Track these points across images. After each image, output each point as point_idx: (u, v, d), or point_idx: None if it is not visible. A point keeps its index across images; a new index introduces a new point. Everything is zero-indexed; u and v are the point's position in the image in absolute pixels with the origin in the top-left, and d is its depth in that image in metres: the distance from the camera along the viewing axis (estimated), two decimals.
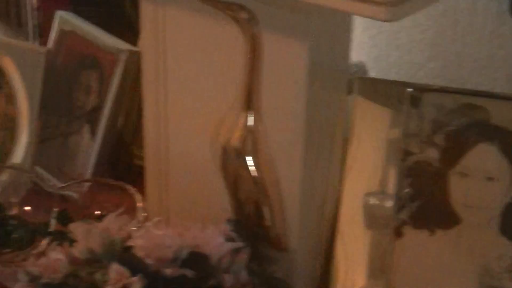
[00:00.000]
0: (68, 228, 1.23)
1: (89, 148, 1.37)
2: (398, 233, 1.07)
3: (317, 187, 1.08)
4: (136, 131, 1.46)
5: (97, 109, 1.37)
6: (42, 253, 1.18)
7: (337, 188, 1.12)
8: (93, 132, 1.37)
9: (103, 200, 1.32)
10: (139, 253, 0.95)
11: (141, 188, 1.30)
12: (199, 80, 1.09)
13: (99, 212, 1.29)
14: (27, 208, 1.32)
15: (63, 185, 1.32)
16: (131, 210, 1.27)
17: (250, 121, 1.05)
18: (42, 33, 2.11)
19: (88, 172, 1.37)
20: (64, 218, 1.28)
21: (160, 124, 1.16)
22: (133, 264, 0.91)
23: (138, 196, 1.26)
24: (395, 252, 1.07)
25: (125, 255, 0.93)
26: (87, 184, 1.33)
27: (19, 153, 1.34)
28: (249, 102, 1.04)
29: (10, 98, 1.34)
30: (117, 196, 1.32)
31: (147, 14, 1.11)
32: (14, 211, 1.32)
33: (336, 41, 1.03)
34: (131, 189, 1.27)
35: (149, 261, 0.92)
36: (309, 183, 1.05)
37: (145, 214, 1.22)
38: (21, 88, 1.32)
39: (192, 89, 1.10)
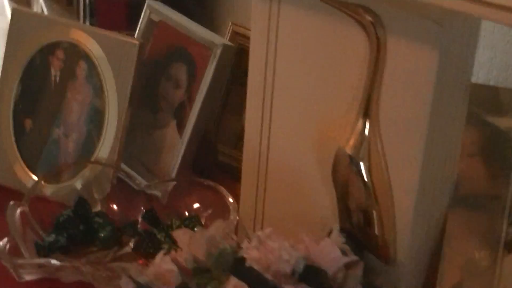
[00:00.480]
0: (154, 228, 1.19)
1: (175, 144, 1.32)
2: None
3: (429, 196, 1.02)
4: (219, 127, 1.41)
5: (186, 104, 1.31)
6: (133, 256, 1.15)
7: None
8: (180, 128, 1.32)
9: (189, 200, 1.27)
10: (254, 266, 0.89)
11: (227, 188, 1.26)
12: (310, 83, 1.04)
13: (186, 213, 1.24)
14: (113, 206, 1.27)
15: (152, 183, 1.26)
16: (221, 212, 1.22)
17: (367, 128, 0.99)
18: (94, 13, 2.07)
19: (174, 169, 1.32)
20: (152, 218, 1.24)
21: (263, 125, 1.11)
22: (251, 278, 0.86)
23: (230, 199, 1.20)
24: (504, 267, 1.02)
25: (241, 268, 0.88)
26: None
27: (105, 148, 1.29)
28: (367, 109, 0.98)
29: (99, 90, 1.29)
30: (204, 196, 1.27)
31: (259, 11, 1.05)
32: (98, 208, 1.27)
33: (464, 48, 0.97)
34: (223, 191, 1.22)
35: (267, 275, 0.87)
36: (423, 193, 0.99)
37: (237, 218, 1.17)
38: (111, 81, 1.27)
39: (301, 91, 1.05)
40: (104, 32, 1.28)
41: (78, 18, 2.32)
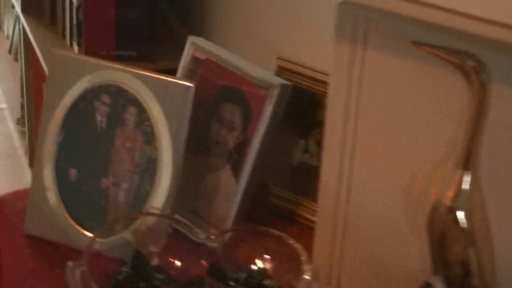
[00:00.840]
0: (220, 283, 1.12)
1: (230, 189, 1.25)
2: None
3: None
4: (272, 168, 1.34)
5: (241, 146, 1.24)
6: None
7: None
8: (235, 172, 1.24)
9: (249, 250, 1.20)
10: None
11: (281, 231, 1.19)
12: (398, 131, 0.98)
13: (256, 266, 1.17)
14: (171, 259, 1.19)
15: (213, 233, 1.19)
16: (288, 262, 1.15)
17: (467, 180, 0.93)
18: (81, 33, 2.00)
19: (230, 216, 1.24)
20: (217, 272, 1.16)
21: (342, 172, 1.05)
22: None
23: (303, 252, 1.13)
24: None
25: None
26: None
27: (159, 197, 1.21)
28: (467, 160, 0.92)
29: (150, 137, 1.21)
30: (268, 246, 1.20)
31: (341, 55, 0.99)
32: (155, 262, 1.19)
33: None
34: (291, 240, 1.15)
35: None
36: None
37: (310, 275, 1.10)
38: (163, 126, 1.19)
39: (387, 139, 0.99)
40: (154, 75, 1.20)
41: (64, 38, 2.25)
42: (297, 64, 1.33)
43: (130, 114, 1.21)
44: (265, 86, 1.21)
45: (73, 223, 1.24)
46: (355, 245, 1.07)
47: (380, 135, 1.00)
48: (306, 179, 1.34)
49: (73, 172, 1.24)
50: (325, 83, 1.30)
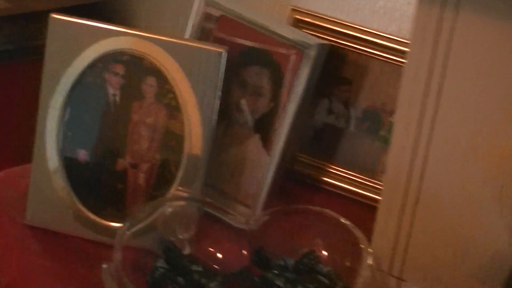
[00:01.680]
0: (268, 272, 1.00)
1: (260, 163, 1.12)
2: None
3: None
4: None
5: (272, 114, 1.11)
6: None
7: None
8: (265, 143, 1.11)
9: (291, 232, 1.08)
10: None
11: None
12: (491, 104, 0.87)
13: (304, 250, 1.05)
14: (210, 248, 1.06)
15: (256, 217, 1.06)
16: (338, 243, 1.04)
17: None
18: None
19: (262, 193, 1.11)
20: (263, 261, 1.04)
21: (418, 146, 0.93)
22: None
23: (360, 234, 1.02)
24: None
25: None
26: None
27: (186, 178, 1.07)
28: None
29: (174, 110, 1.06)
30: (311, 224, 1.08)
31: (424, 17, 0.86)
32: (186, 251, 1.06)
33: None
34: (349, 224, 1.04)
35: None
36: None
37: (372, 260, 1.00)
38: (191, 98, 1.05)
39: (477, 114, 0.88)
40: (178, 40, 1.04)
41: None
42: (316, 16, 1.19)
43: (150, 86, 1.05)
44: (300, 47, 1.08)
45: (85, 210, 1.08)
46: (427, 224, 0.97)
47: (468, 111, 0.89)
48: (331, 143, 1.22)
49: (82, 153, 1.08)
50: (348, 35, 1.17)
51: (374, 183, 1.20)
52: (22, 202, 1.11)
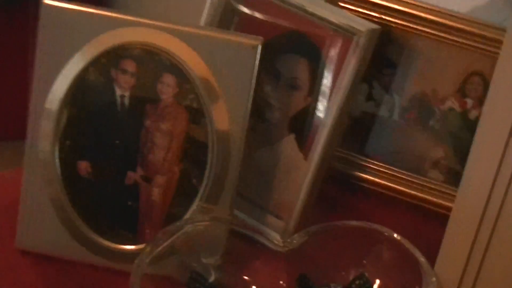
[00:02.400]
0: None
1: (295, 166, 0.94)
2: None
3: None
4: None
5: (311, 111, 0.92)
6: None
7: None
8: (302, 144, 0.93)
9: (336, 252, 0.91)
10: None
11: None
12: None
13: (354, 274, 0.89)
14: (241, 275, 0.89)
15: (298, 237, 0.89)
16: (398, 272, 0.88)
17: None
18: None
19: (298, 202, 0.94)
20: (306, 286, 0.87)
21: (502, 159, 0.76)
22: None
23: (420, 256, 0.86)
24: None
25: None
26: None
27: (212, 194, 0.89)
28: None
29: (197, 114, 0.87)
30: (357, 243, 0.91)
31: None
32: (211, 278, 0.89)
33: None
34: (406, 243, 0.87)
35: None
36: None
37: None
38: (218, 100, 0.86)
39: None
40: (200, 31, 0.85)
41: None
42: None
43: (167, 86, 0.86)
44: (347, 32, 0.89)
45: (89, 232, 0.90)
46: (505, 250, 0.80)
47: None
48: (370, 134, 1.04)
49: (84, 166, 0.89)
50: (393, 10, 0.98)
51: (421, 180, 1.03)
52: (14, 218, 0.93)
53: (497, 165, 0.78)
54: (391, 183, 1.04)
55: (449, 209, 0.98)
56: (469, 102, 1.00)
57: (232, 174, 0.87)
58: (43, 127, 0.88)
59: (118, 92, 0.87)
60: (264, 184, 0.95)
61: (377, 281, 0.89)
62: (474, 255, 0.83)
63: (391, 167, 1.04)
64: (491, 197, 0.79)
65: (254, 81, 0.85)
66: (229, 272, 0.90)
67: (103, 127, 0.88)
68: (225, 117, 0.86)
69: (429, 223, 1.02)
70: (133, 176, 0.89)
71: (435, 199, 1.03)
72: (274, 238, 0.89)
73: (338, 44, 0.89)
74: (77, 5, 0.86)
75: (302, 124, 0.93)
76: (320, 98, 0.92)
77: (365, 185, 1.05)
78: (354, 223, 0.89)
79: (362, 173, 1.05)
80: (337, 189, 1.04)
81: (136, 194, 0.90)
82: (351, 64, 0.89)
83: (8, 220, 0.94)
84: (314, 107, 0.92)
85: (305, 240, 0.89)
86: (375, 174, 1.05)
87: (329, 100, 0.91)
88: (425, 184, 1.03)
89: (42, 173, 0.89)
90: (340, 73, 0.90)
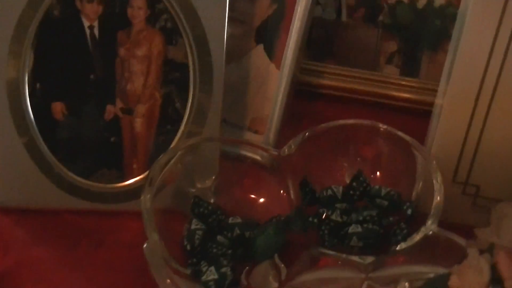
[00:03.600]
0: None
1: (267, 78, 0.93)
2: None
3: None
4: None
5: (275, 19, 0.91)
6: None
7: None
8: (271, 54, 0.92)
9: (319, 155, 0.91)
10: None
11: None
12: None
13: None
14: (240, 194, 0.88)
15: (293, 144, 0.87)
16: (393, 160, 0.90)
17: None
18: None
19: (275, 113, 0.93)
20: (308, 195, 0.88)
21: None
22: None
23: (421, 147, 0.87)
24: None
25: None
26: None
27: (197, 115, 0.87)
28: None
29: (174, 34, 0.84)
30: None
31: None
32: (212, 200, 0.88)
33: None
34: (397, 133, 0.88)
35: None
36: None
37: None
38: (192, 15, 0.83)
39: None
40: None
41: None
42: None
43: (137, 9, 0.83)
44: None
45: (73, 176, 0.86)
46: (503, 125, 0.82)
47: None
48: (321, 40, 1.04)
49: (58, 108, 0.85)
50: None
51: (378, 76, 1.04)
52: None
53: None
54: (350, 84, 1.04)
55: (408, 100, 1.00)
56: None
57: (217, 92, 0.85)
58: (10, 73, 0.82)
59: (86, 23, 0.82)
60: (237, 101, 0.94)
61: (376, 174, 0.90)
62: (472, 133, 0.84)
63: (347, 68, 1.04)
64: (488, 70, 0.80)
65: None
66: (227, 193, 0.88)
67: (74, 63, 0.83)
68: (203, 32, 0.83)
69: (395, 116, 1.03)
70: (112, 110, 0.85)
71: (394, 93, 1.04)
72: (269, 149, 0.88)
73: None
74: None
75: (269, 33, 0.91)
76: (285, 2, 0.90)
77: (325, 91, 1.04)
78: (345, 121, 0.88)
79: (320, 79, 1.04)
80: (297, 100, 1.03)
81: (118, 129, 0.86)
82: None
83: None
84: (280, 13, 0.91)
85: (299, 145, 0.88)
86: (332, 78, 1.04)
87: (295, 5, 0.89)
88: (382, 79, 1.03)
89: (14, 121, 0.83)
90: None
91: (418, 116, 1.02)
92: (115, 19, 0.82)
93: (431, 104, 0.90)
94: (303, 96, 1.04)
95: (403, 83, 1.03)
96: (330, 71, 1.04)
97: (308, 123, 0.97)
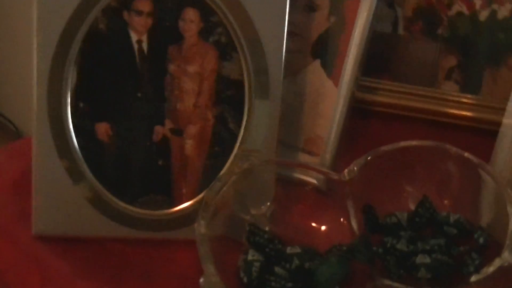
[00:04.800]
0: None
1: (325, 95, 0.86)
2: None
3: None
4: None
5: (333, 33, 0.85)
6: None
7: None
8: (328, 70, 0.86)
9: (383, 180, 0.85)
10: None
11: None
12: None
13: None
14: (297, 221, 0.82)
15: (356, 165, 0.81)
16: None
17: None
18: None
19: (332, 133, 0.87)
20: (371, 222, 0.81)
21: None
22: None
23: (490, 170, 0.80)
24: None
25: None
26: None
27: (254, 136, 0.80)
28: None
29: (229, 50, 0.78)
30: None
31: None
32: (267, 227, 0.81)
33: None
34: (466, 155, 0.81)
35: None
36: None
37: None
38: (249, 29, 0.77)
39: None
40: None
41: None
42: None
43: (190, 22, 0.76)
44: None
45: (118, 202, 0.79)
46: None
47: None
48: (377, 54, 0.98)
49: (103, 129, 0.78)
50: None
51: (436, 93, 0.98)
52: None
53: None
54: (406, 102, 0.98)
55: (467, 118, 0.94)
56: (477, 2, 0.94)
57: (274, 111, 0.79)
58: (51, 91, 0.76)
59: (134, 37, 0.76)
60: (291, 120, 0.87)
61: (444, 199, 0.83)
62: None
63: (404, 85, 0.98)
64: None
65: (288, 2, 0.76)
66: (283, 220, 0.82)
67: (121, 80, 0.77)
68: (260, 47, 0.76)
69: (454, 135, 0.97)
70: (161, 130, 0.79)
71: (454, 111, 0.97)
72: (329, 173, 0.81)
73: None
74: None
75: (327, 48, 0.85)
76: (344, 16, 0.84)
77: (379, 108, 0.98)
78: (409, 143, 0.82)
79: (374, 96, 0.98)
80: (359, 118, 0.97)
81: (167, 151, 0.80)
82: None
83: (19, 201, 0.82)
84: (339, 26, 0.84)
85: (361, 168, 0.81)
86: (387, 95, 0.98)
87: (357, 18, 0.83)
88: (440, 96, 0.97)
89: (55, 144, 0.77)
90: None
91: (477, 135, 0.96)
92: (165, 33, 0.76)
93: (493, 123, 0.85)
94: (356, 114, 0.97)
95: (463, 100, 0.97)
96: (385, 87, 0.98)
97: (363, 143, 0.91)
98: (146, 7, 0.75)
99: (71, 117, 0.77)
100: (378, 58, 0.98)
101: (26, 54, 0.75)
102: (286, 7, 0.76)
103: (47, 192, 0.79)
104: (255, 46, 0.76)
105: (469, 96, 0.97)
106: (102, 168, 0.79)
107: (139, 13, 0.75)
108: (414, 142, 0.82)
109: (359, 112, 0.99)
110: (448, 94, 0.98)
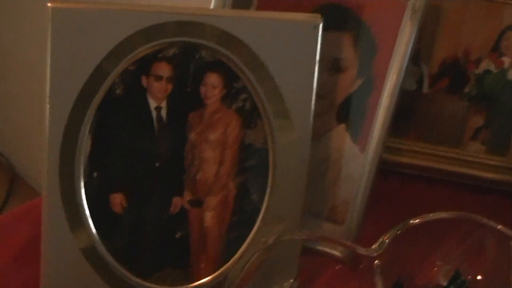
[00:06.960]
0: None
1: (349, 160, 0.81)
2: None
3: None
4: None
5: (361, 96, 0.80)
6: None
7: None
8: (355, 134, 0.81)
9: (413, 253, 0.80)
10: None
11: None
12: None
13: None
14: None
15: (379, 244, 0.76)
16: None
17: None
18: None
19: (357, 200, 0.82)
20: None
21: None
22: None
23: None
24: None
25: None
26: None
27: (279, 208, 0.75)
28: None
29: (253, 116, 0.73)
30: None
31: None
32: None
33: None
34: (500, 228, 0.76)
35: None
36: None
37: None
38: (274, 94, 0.72)
39: None
40: (245, 15, 0.70)
41: None
42: None
43: (212, 87, 0.71)
44: None
45: (132, 277, 0.74)
46: None
47: None
48: (399, 113, 0.93)
49: (118, 200, 0.73)
50: None
51: (461, 155, 0.93)
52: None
53: None
54: (430, 163, 0.93)
55: (493, 181, 0.89)
56: (506, 60, 0.90)
57: (300, 181, 0.74)
58: (63, 159, 0.70)
59: (153, 104, 0.71)
60: (314, 187, 0.82)
61: (477, 276, 0.78)
62: None
63: (427, 145, 0.93)
64: None
65: (317, 67, 0.71)
66: None
67: (137, 149, 0.72)
68: (286, 113, 0.71)
69: (478, 198, 0.92)
70: (179, 202, 0.74)
71: (479, 173, 0.92)
72: (357, 248, 0.76)
73: (387, 11, 0.77)
74: (87, 4, 0.69)
75: (353, 111, 0.80)
76: (372, 78, 0.79)
77: (402, 170, 0.93)
78: (440, 215, 0.77)
79: (397, 156, 0.93)
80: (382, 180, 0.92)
81: (185, 223, 0.74)
82: (407, 33, 0.77)
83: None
84: (366, 90, 0.79)
85: (390, 243, 0.76)
86: (410, 156, 0.93)
87: (386, 77, 0.78)
88: (466, 158, 0.92)
89: (66, 214, 0.72)
90: (394, 45, 0.77)
91: (503, 198, 0.91)
92: (186, 99, 0.71)
93: None
94: (383, 175, 0.92)
95: (490, 162, 0.92)
96: (408, 148, 0.93)
97: (385, 206, 0.87)
98: (166, 71, 0.70)
99: (84, 188, 0.72)
100: (401, 117, 0.93)
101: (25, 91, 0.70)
102: (314, 72, 0.71)
103: (57, 266, 0.73)
104: (281, 113, 0.71)
105: (495, 158, 0.92)
106: (117, 241, 0.74)
107: (159, 78, 0.70)
108: (444, 214, 0.77)
109: (381, 172, 0.94)
110: (474, 156, 0.93)
